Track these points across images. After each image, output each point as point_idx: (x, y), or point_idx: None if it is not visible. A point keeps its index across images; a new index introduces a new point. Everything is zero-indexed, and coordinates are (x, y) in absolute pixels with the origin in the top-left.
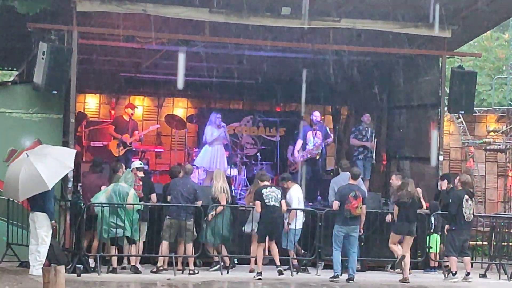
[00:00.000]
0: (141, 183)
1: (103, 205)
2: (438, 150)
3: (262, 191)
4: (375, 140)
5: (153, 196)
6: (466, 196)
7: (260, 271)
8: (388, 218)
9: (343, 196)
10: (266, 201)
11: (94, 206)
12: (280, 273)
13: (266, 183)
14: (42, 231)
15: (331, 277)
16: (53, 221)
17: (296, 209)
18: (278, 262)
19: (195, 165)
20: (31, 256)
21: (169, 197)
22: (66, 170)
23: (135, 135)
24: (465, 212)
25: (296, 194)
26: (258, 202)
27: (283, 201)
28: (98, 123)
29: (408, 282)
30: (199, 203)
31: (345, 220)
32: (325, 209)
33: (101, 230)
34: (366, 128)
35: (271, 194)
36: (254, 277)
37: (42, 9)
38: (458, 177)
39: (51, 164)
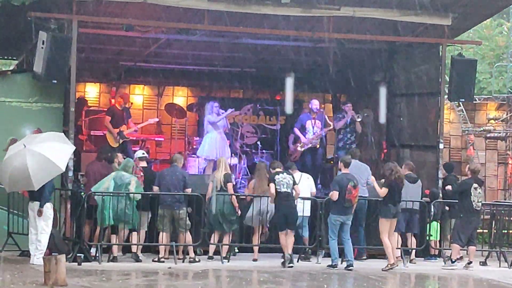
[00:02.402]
0: (142, 174)
1: (104, 194)
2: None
3: (275, 178)
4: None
5: (155, 188)
6: (475, 185)
7: (290, 256)
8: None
9: (342, 186)
10: (278, 187)
11: (94, 196)
12: (290, 262)
13: (278, 169)
14: (42, 220)
15: (329, 265)
16: (41, 208)
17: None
18: (290, 251)
19: (197, 155)
20: (31, 245)
21: (155, 188)
22: (71, 149)
23: (129, 124)
24: (473, 201)
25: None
26: (272, 185)
27: (296, 186)
28: (98, 112)
29: (397, 266)
30: (188, 191)
31: (343, 209)
32: (326, 197)
33: (102, 218)
34: (343, 116)
35: (283, 180)
36: (285, 265)
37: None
38: (467, 166)
39: (54, 147)
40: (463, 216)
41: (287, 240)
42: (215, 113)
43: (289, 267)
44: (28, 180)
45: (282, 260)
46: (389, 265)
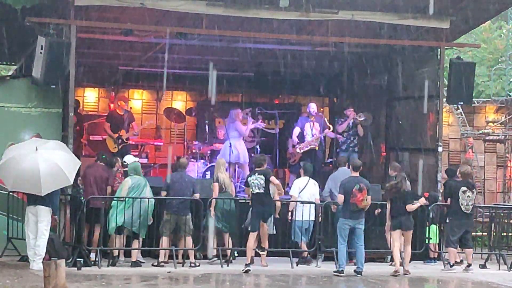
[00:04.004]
0: (122, 175)
1: (106, 199)
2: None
3: (248, 179)
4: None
5: (163, 193)
6: (464, 188)
7: (249, 262)
8: (377, 211)
9: (348, 189)
10: (252, 190)
11: (92, 202)
12: (256, 254)
13: (256, 168)
14: (42, 225)
15: (335, 271)
16: (55, 216)
17: (293, 201)
18: (264, 245)
19: (230, 161)
20: (30, 251)
21: (163, 193)
22: (78, 164)
23: (133, 127)
24: (461, 204)
25: (297, 185)
26: (247, 189)
27: (272, 178)
28: (97, 117)
29: (409, 273)
30: (197, 196)
31: (351, 214)
32: (325, 201)
33: (112, 222)
34: (344, 120)
35: (254, 181)
36: (243, 270)
37: (39, 3)
38: (458, 168)
39: (66, 158)
40: (452, 219)
41: (262, 230)
42: (244, 118)
43: (246, 271)
44: (37, 184)
45: (245, 267)
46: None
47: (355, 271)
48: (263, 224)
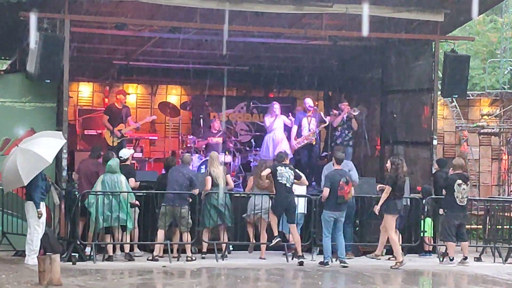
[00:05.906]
0: None
1: (98, 194)
2: (432, 135)
3: (277, 168)
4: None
5: (131, 181)
6: (459, 181)
7: (276, 234)
8: (377, 208)
9: (334, 182)
10: (279, 178)
11: (87, 196)
12: (301, 264)
13: (282, 162)
14: (32, 220)
15: (320, 262)
16: (39, 209)
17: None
18: (299, 251)
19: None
20: (27, 245)
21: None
22: (61, 142)
23: (128, 122)
24: (457, 196)
25: None
26: (268, 169)
27: (303, 179)
28: (91, 111)
29: (404, 264)
30: (195, 191)
31: (337, 206)
32: (320, 194)
33: (96, 220)
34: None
35: (285, 174)
36: (272, 241)
37: None
38: (453, 161)
39: (44, 141)
40: (447, 211)
41: (294, 236)
42: (275, 113)
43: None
44: (18, 177)
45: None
46: (398, 263)
47: (340, 261)
48: (293, 227)
